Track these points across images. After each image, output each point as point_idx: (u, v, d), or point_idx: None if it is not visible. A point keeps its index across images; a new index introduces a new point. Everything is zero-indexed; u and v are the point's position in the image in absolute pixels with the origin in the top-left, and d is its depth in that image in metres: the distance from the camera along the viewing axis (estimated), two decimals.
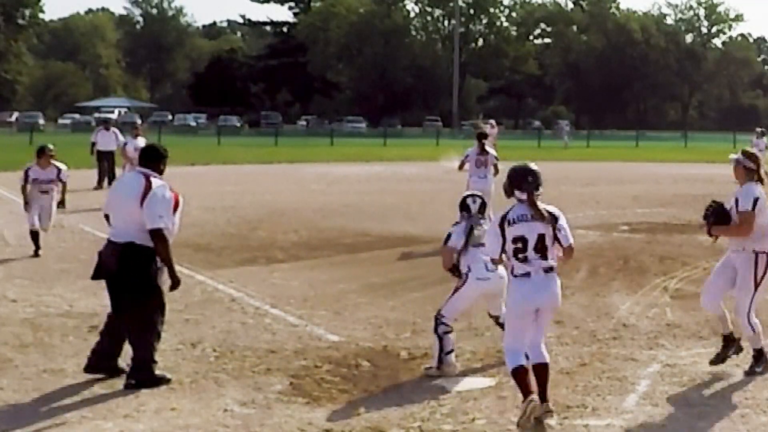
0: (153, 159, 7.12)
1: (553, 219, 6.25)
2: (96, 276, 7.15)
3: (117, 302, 7.00)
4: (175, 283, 6.96)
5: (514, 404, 6.56)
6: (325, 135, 63.47)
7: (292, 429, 6.09)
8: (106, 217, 7.33)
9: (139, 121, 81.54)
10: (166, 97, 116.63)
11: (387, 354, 7.98)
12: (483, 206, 7.90)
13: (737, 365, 7.61)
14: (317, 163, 36.63)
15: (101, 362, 7.08)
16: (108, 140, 24.35)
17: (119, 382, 7.01)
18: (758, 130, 32.21)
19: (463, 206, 7.83)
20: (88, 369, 7.07)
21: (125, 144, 22.21)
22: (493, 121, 41.29)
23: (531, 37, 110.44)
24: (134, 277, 6.84)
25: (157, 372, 6.97)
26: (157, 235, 6.81)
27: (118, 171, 23.02)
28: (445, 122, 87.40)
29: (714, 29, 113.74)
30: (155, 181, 6.94)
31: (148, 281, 6.87)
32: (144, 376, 6.87)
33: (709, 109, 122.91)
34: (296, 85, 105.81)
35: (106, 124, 25.91)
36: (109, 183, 22.79)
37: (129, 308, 6.92)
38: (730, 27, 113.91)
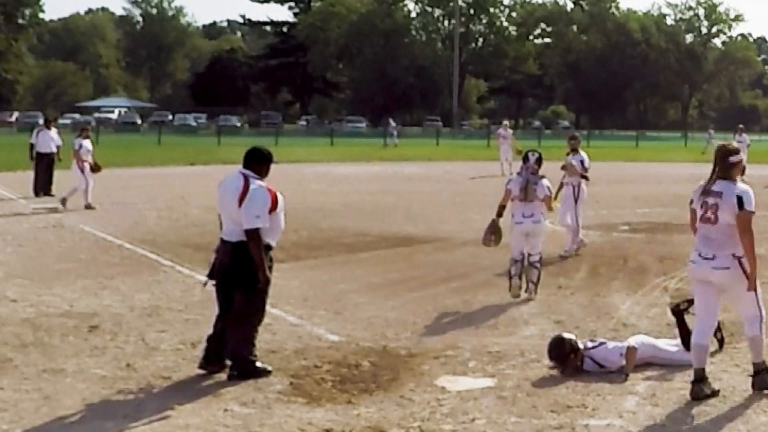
0: (254, 161, 7.41)
1: None
2: (211, 275, 7.52)
3: (226, 300, 7.33)
4: (264, 282, 7.16)
5: (514, 404, 6.58)
6: (325, 135, 63.48)
7: (292, 429, 6.09)
8: (219, 216, 7.61)
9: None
10: (166, 97, 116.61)
11: (387, 354, 7.97)
12: (539, 160, 10.39)
13: (737, 365, 7.61)
14: (317, 163, 36.61)
15: (211, 360, 7.31)
16: (48, 141, 21.83)
17: (119, 382, 7.01)
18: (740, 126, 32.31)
19: (525, 158, 10.45)
20: (202, 366, 7.31)
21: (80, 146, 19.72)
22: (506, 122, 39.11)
23: (531, 37, 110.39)
24: (246, 274, 7.13)
25: (258, 364, 7.18)
26: (251, 234, 7.12)
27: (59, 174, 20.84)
28: (445, 122, 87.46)
29: (714, 29, 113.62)
30: (253, 183, 7.23)
31: (257, 279, 7.16)
32: (245, 368, 7.12)
33: (709, 109, 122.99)
34: (296, 85, 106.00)
35: (47, 123, 22.89)
36: (49, 188, 21.30)
37: (238, 304, 7.21)
38: (730, 27, 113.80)
